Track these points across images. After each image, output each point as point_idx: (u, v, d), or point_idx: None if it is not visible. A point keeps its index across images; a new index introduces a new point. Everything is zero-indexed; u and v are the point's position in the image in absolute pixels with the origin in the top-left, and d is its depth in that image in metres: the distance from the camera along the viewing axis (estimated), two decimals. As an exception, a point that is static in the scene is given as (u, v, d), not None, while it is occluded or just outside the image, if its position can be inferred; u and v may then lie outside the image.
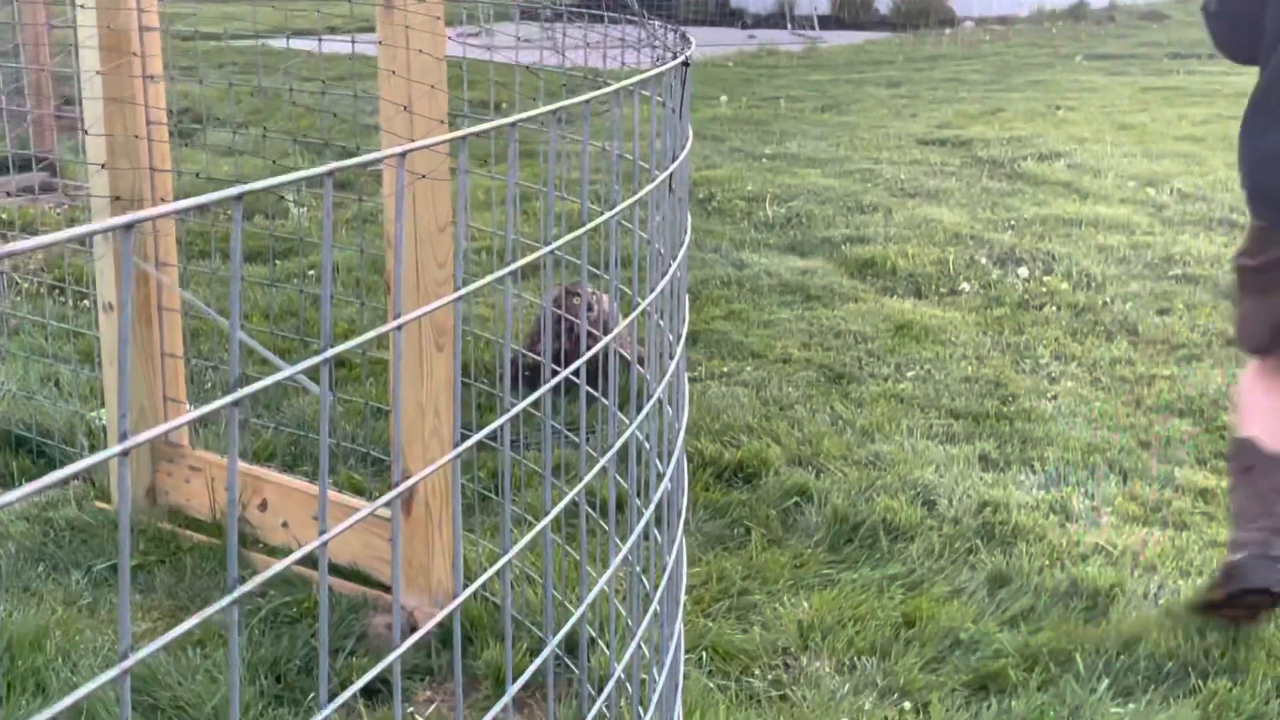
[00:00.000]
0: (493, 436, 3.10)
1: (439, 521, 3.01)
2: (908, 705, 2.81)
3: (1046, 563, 3.40)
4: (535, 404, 1.42)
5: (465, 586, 1.22)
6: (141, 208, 3.41)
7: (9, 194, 6.47)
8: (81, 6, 3.30)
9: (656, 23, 2.93)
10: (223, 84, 4.47)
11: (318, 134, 5.04)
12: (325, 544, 1.05)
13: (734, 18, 20.36)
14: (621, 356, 3.13)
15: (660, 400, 1.92)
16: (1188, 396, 4.61)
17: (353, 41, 3.53)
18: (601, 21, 3.40)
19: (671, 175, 1.97)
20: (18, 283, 5.34)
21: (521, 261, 1.36)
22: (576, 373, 1.52)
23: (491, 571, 1.30)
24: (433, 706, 2.77)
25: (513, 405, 1.39)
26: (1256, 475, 3.13)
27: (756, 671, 2.93)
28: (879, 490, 3.77)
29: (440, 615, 1.17)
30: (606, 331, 1.86)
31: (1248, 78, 3.39)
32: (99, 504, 3.56)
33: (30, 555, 3.32)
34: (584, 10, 3.47)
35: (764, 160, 8.71)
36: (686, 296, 2.34)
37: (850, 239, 6.63)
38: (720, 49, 15.58)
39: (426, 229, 2.87)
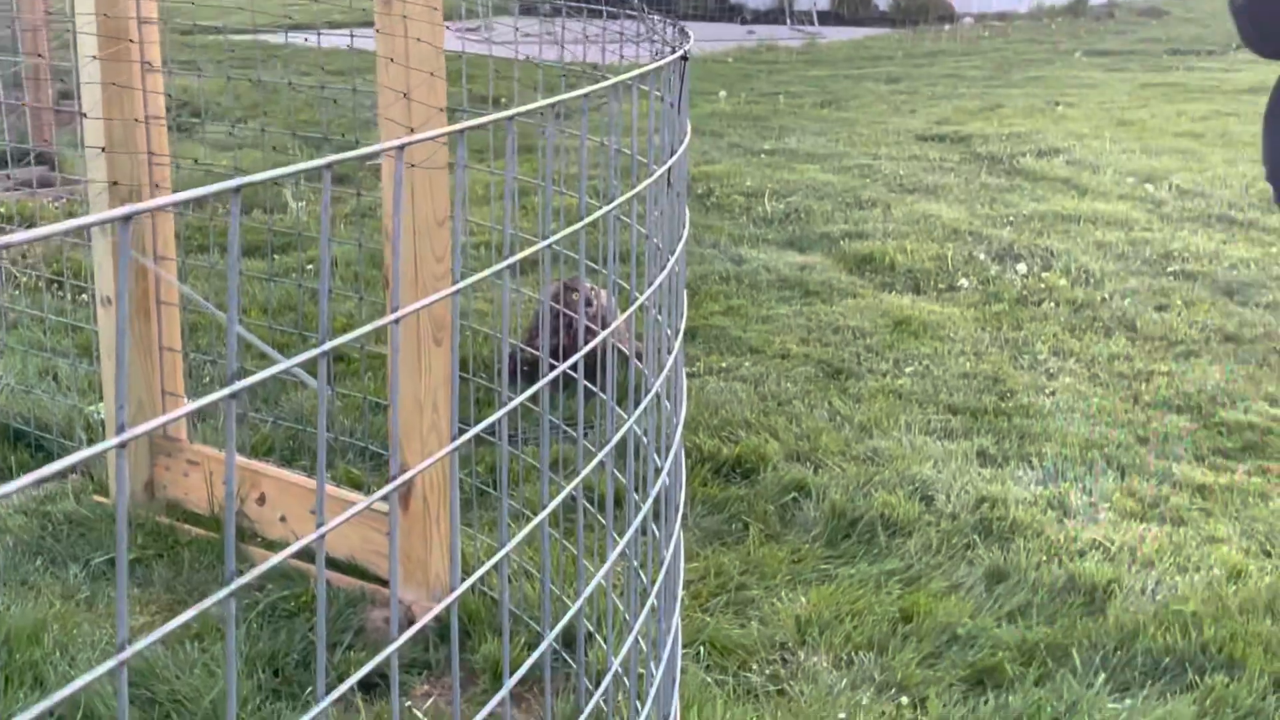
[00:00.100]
0: (491, 431, 3.10)
1: (437, 516, 3.01)
2: (905, 700, 2.82)
3: (1044, 558, 3.40)
4: (533, 399, 1.42)
5: (463, 580, 1.22)
6: (140, 195, 3.40)
7: (7, 188, 6.47)
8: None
9: (655, 17, 2.93)
10: (221, 78, 4.46)
11: (316, 128, 5.04)
12: (323, 537, 1.05)
13: (733, 13, 20.36)
14: (620, 351, 3.13)
15: (658, 395, 1.92)
16: (1186, 392, 4.62)
17: (351, 35, 3.53)
18: (600, 16, 3.40)
19: (670, 170, 1.96)
20: (16, 277, 5.34)
21: (520, 256, 1.36)
22: (575, 367, 1.52)
23: (489, 565, 1.30)
24: (430, 700, 2.77)
25: (511, 400, 1.39)
26: None
27: (754, 666, 2.93)
28: (877, 485, 3.77)
29: (437, 609, 1.17)
30: (605, 327, 1.85)
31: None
32: (97, 498, 3.56)
33: (28, 549, 3.33)
34: (583, 4, 3.47)
35: (763, 156, 8.71)
36: (685, 292, 2.34)
37: (849, 234, 6.63)
38: (720, 44, 15.58)
39: (425, 223, 2.87)
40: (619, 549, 1.65)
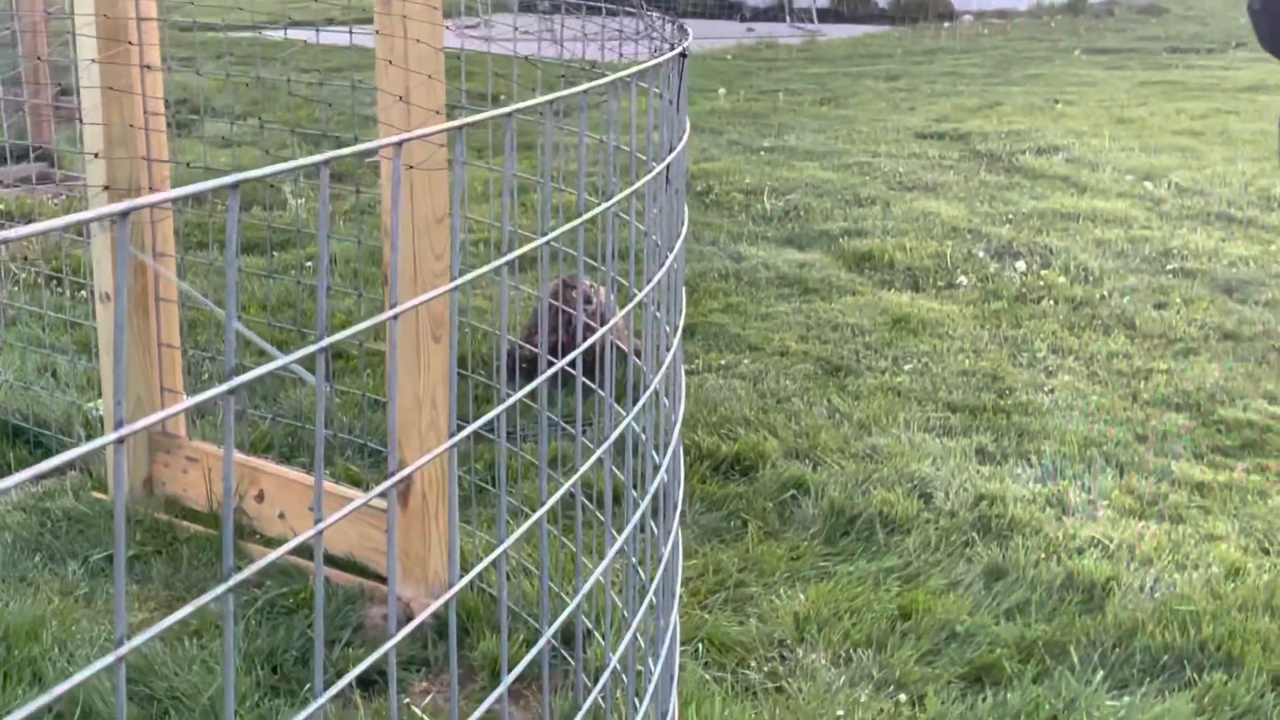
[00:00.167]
0: (489, 428, 3.10)
1: (435, 513, 3.01)
2: (903, 697, 2.82)
3: (1043, 556, 3.40)
4: (532, 395, 1.42)
5: (461, 577, 1.22)
6: (138, 197, 3.40)
7: (6, 184, 6.47)
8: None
9: (655, 14, 2.93)
10: (220, 75, 4.46)
11: (315, 125, 5.04)
12: (321, 534, 1.05)
13: (733, 10, 20.35)
14: (618, 349, 3.13)
15: (657, 392, 1.92)
16: (1184, 390, 4.62)
17: (350, 32, 3.53)
18: (600, 13, 3.40)
19: (669, 167, 1.96)
20: (15, 273, 5.33)
21: (518, 252, 1.36)
22: (573, 364, 1.52)
23: (487, 562, 1.30)
24: (429, 697, 2.77)
25: (510, 397, 1.39)
26: None
27: (752, 663, 2.93)
28: (876, 483, 3.77)
29: (435, 605, 1.17)
30: (604, 324, 1.86)
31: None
32: (96, 494, 3.56)
33: (27, 545, 3.33)
34: (582, 2, 3.47)
35: (762, 153, 8.70)
36: (684, 289, 2.34)
37: (848, 232, 6.63)
38: (719, 41, 15.57)
39: (424, 220, 2.87)
40: (617, 546, 1.65)
